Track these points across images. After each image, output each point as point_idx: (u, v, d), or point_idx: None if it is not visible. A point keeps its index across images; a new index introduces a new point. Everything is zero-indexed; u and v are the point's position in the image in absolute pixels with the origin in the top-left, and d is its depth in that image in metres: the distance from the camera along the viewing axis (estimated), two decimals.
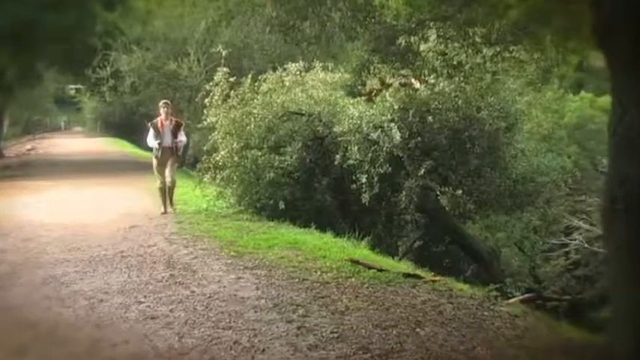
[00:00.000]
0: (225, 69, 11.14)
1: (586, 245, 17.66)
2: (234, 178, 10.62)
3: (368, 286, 6.23)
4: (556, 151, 16.37)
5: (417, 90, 9.38)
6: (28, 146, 34.77)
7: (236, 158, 10.61)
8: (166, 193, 10.83)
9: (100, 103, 34.11)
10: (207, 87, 11.33)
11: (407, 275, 6.74)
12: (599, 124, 24.61)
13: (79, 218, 10.25)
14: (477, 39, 8.48)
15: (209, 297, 5.77)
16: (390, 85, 8.77)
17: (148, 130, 10.90)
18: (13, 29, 18.81)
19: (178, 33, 19.27)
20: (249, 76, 11.33)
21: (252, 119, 10.80)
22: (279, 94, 11.18)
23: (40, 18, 19.11)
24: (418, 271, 7.42)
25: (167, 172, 10.74)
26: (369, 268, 6.81)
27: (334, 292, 5.94)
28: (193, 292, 5.95)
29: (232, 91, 11.08)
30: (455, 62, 8.23)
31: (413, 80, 8.86)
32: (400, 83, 8.82)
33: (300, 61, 11.63)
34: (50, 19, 19.22)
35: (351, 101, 10.77)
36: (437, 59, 8.09)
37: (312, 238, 8.63)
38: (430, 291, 6.28)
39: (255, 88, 11.25)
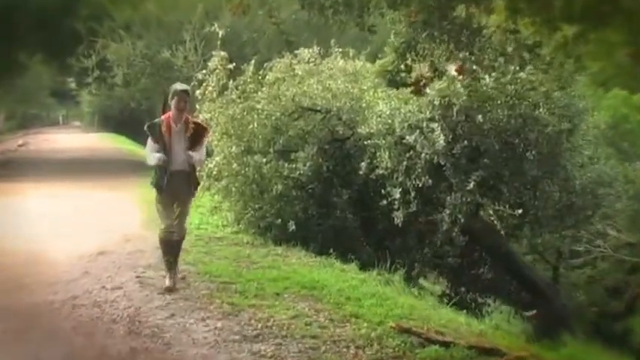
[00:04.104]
0: (222, 53, 9.24)
1: (612, 253, 16.75)
2: (233, 190, 9.21)
3: None
4: (616, 157, 14.50)
5: (479, 80, 7.29)
6: (20, 142, 33.34)
7: (235, 165, 9.16)
8: (172, 249, 6.15)
9: (95, 96, 32.69)
10: (200, 76, 9.42)
11: (481, 350, 4.59)
12: (633, 124, 23.36)
13: (42, 239, 8.61)
14: (555, 14, 6.58)
15: None
16: (444, 73, 6.68)
17: (147, 138, 6.25)
18: None
19: (173, 17, 17.50)
20: (252, 62, 9.82)
21: (256, 116, 9.39)
22: (288, 85, 9.79)
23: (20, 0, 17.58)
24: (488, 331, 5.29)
25: (177, 214, 6.10)
26: (426, 340, 4.64)
27: None
28: None
29: (231, 82, 9.64)
30: (529, 43, 6.12)
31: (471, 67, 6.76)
32: (456, 70, 6.73)
33: (315, 47, 10.15)
34: (31, 1, 17.66)
35: (380, 94, 8.82)
36: (506, 39, 5.99)
37: (333, 277, 6.69)
38: None
39: (260, 77, 9.85)
